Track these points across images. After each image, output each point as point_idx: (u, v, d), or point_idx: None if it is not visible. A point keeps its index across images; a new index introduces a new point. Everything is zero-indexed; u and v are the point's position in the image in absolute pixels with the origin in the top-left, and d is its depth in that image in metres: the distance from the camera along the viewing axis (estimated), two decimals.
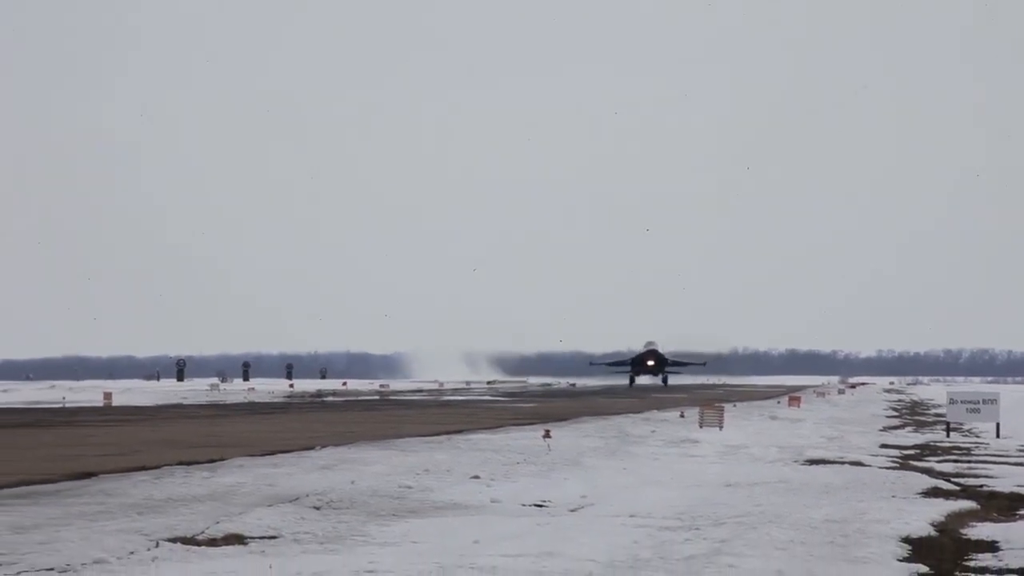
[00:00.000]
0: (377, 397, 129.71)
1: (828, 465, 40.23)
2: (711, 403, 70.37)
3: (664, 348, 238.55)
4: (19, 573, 18.45)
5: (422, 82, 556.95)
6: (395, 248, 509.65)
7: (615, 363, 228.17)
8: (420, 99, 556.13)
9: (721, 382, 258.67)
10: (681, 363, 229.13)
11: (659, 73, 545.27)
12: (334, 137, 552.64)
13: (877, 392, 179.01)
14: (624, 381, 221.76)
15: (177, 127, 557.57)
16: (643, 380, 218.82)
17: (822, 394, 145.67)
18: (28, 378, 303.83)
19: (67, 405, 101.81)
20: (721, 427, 59.49)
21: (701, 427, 59.86)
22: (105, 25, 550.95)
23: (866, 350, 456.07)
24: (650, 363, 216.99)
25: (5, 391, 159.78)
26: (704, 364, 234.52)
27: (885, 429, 66.15)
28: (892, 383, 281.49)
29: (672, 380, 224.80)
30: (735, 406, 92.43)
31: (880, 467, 39.80)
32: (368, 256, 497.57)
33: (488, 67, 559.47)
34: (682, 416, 71.31)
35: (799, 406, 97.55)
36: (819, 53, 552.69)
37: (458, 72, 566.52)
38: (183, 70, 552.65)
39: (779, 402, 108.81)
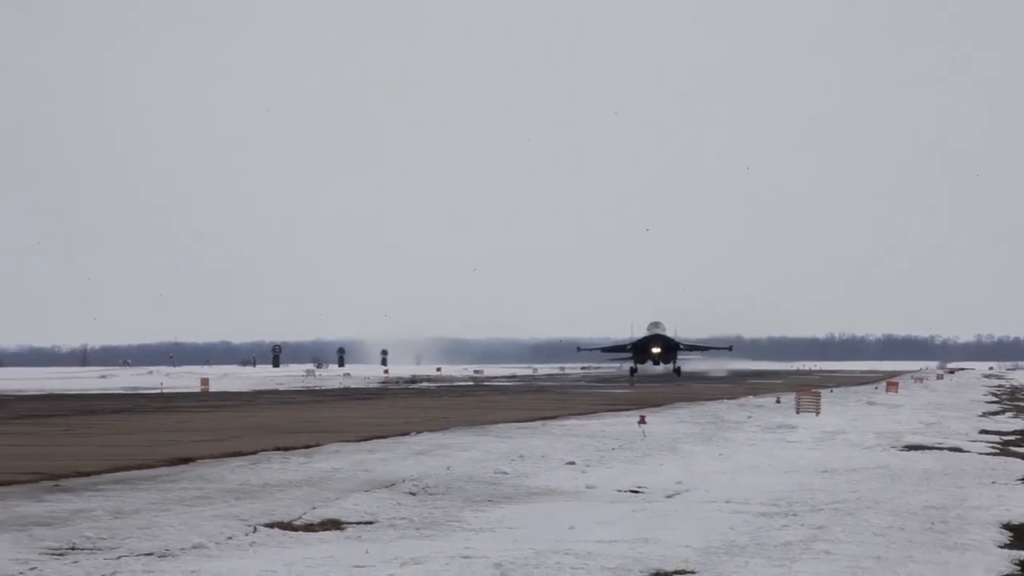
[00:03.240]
0: (471, 383, 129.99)
1: (927, 451, 39.84)
2: (807, 389, 69.89)
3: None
4: (119, 557, 18.64)
5: (424, 82, 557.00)
6: (480, 236, 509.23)
7: (611, 348, 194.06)
8: (425, 98, 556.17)
9: (816, 367, 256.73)
10: (698, 348, 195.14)
11: (660, 73, 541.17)
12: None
13: (976, 377, 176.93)
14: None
15: (276, 115, 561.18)
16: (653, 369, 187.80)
17: (920, 379, 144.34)
18: (126, 364, 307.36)
19: (165, 391, 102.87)
20: (818, 413, 59.08)
21: (798, 413, 59.48)
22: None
23: (965, 335, 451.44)
24: (655, 350, 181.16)
25: (104, 377, 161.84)
26: (730, 349, 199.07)
27: (985, 415, 65.41)
28: (991, 368, 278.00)
29: (705, 366, 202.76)
30: (832, 392, 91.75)
31: (980, 453, 39.36)
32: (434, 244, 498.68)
33: (489, 66, 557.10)
34: (778, 402, 70.85)
35: (897, 391, 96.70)
36: (821, 50, 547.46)
37: (460, 72, 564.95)
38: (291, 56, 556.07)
39: (876, 388, 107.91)
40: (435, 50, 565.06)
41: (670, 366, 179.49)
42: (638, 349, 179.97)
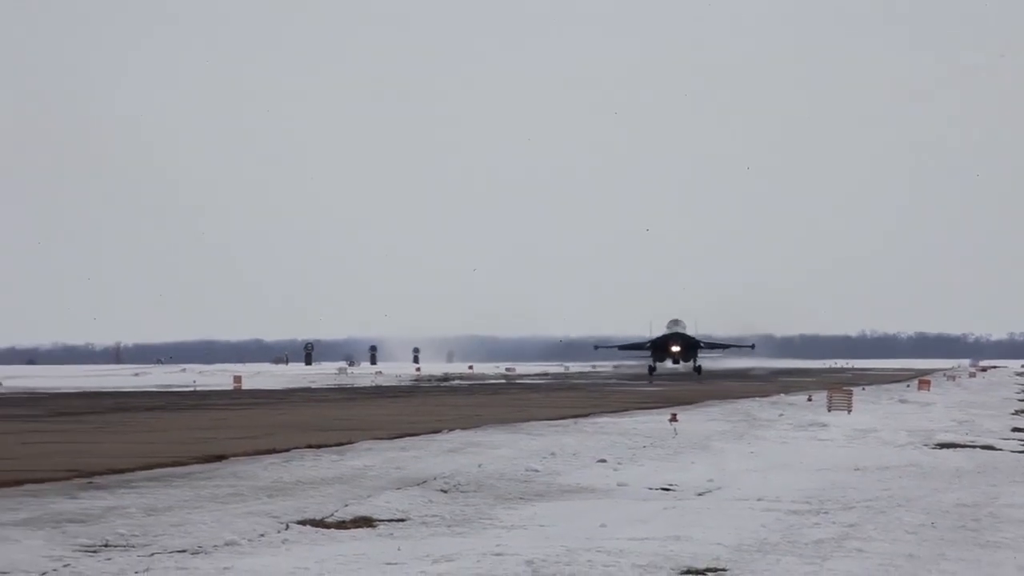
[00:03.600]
0: (503, 381, 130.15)
1: (959, 449, 39.74)
2: (839, 386, 69.75)
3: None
4: (153, 554, 18.75)
5: (426, 81, 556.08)
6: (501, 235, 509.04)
7: (629, 347, 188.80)
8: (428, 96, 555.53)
9: (848, 365, 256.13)
10: (719, 346, 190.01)
11: (659, 72, 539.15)
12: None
13: (1009, 375, 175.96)
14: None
15: (300, 115, 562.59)
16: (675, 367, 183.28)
17: (952, 377, 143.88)
18: (159, 361, 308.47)
19: (198, 388, 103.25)
20: (850, 411, 58.96)
21: (829, 411, 59.37)
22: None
23: (997, 333, 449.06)
24: (674, 348, 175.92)
25: (137, 374, 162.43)
26: (752, 347, 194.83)
27: (1017, 413, 65.19)
28: None
29: (733, 364, 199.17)
30: (864, 389, 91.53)
31: (1012, 451, 39.28)
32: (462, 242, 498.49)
33: (489, 66, 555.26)
34: (810, 400, 70.74)
35: (929, 389, 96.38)
36: (821, 47, 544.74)
37: (460, 72, 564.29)
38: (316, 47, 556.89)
39: (908, 385, 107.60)
40: (436, 50, 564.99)
41: (690, 364, 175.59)
42: (657, 347, 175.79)
